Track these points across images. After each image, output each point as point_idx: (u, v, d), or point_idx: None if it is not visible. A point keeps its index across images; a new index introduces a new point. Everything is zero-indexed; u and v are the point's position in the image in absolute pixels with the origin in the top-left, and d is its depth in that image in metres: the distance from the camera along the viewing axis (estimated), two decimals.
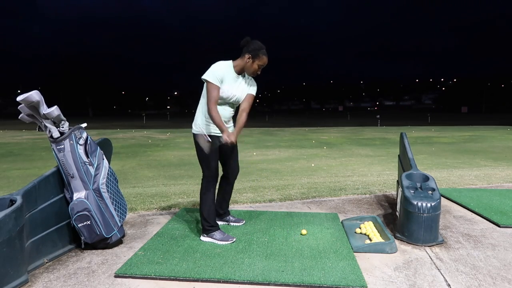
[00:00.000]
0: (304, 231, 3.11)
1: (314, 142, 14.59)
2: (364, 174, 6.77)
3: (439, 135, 17.57)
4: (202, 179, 3.02)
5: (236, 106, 3.05)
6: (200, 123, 2.95)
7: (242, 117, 2.93)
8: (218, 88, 2.82)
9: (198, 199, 4.49)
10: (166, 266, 2.50)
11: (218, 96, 2.82)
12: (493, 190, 4.65)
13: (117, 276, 2.41)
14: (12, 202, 2.38)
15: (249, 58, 2.85)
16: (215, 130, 2.94)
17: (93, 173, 2.83)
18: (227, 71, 2.88)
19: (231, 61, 2.94)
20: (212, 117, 2.79)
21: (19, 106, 2.62)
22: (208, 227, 2.98)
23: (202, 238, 3.00)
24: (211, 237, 2.96)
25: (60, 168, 2.77)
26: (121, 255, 2.76)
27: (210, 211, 2.98)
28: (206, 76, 2.83)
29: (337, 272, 2.41)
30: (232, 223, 3.38)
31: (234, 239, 2.96)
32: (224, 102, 2.93)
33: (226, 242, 2.91)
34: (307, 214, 3.67)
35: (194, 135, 2.97)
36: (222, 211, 3.37)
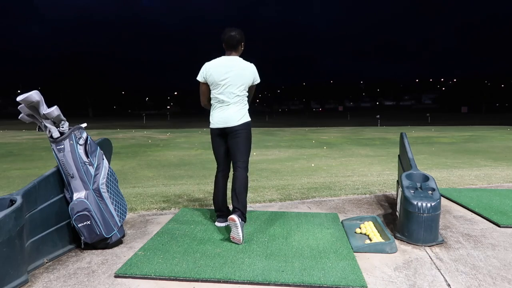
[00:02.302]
0: None
1: (314, 142, 14.59)
2: (364, 174, 6.77)
3: (439, 135, 17.58)
4: None
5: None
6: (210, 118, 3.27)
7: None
8: None
9: (198, 199, 4.50)
10: (166, 266, 2.50)
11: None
12: (493, 190, 4.65)
13: (117, 276, 2.41)
14: (12, 202, 2.38)
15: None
16: (217, 124, 3.18)
17: (93, 173, 2.83)
18: None
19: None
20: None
21: (19, 106, 2.62)
22: (215, 212, 3.38)
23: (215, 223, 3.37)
24: (217, 222, 3.34)
25: (60, 168, 2.77)
26: (121, 255, 2.76)
27: (214, 198, 3.35)
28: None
29: (337, 272, 2.41)
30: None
31: (227, 224, 3.22)
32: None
33: (220, 224, 3.29)
34: (307, 214, 3.67)
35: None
36: (222, 211, 3.37)
